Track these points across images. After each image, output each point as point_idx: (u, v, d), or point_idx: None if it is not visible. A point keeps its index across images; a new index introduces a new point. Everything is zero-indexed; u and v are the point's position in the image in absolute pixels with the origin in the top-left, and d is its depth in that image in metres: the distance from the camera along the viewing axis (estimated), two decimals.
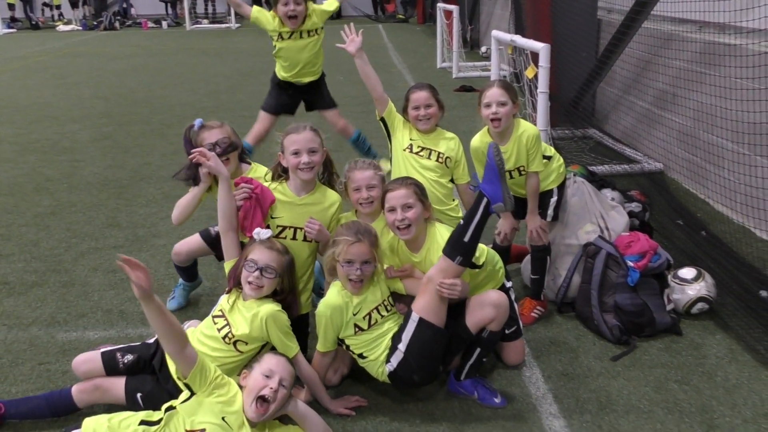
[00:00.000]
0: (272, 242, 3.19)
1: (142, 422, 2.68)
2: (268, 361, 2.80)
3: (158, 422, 2.68)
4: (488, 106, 3.74)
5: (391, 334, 3.18)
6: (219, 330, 3.05)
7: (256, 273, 3.04)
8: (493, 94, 3.74)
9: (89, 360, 3.12)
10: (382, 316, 3.19)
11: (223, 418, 2.67)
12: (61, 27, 24.19)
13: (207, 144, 3.54)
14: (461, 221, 3.12)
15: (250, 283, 3.04)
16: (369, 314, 3.15)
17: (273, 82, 5.53)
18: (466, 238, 3.03)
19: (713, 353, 3.61)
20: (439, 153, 3.89)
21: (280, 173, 3.46)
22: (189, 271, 4.11)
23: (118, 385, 3.07)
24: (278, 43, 5.37)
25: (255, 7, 5.40)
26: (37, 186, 6.51)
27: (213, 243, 3.94)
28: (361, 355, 3.20)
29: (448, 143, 3.94)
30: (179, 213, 3.59)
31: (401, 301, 3.37)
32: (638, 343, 3.70)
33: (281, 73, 5.53)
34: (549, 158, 3.97)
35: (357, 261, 3.07)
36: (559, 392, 3.32)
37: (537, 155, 3.81)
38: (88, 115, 9.67)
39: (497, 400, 3.23)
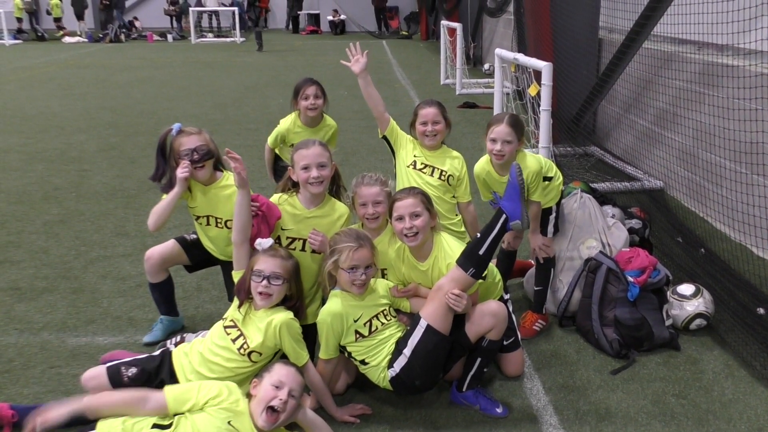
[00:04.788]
0: (275, 250, 3.26)
1: (155, 425, 2.74)
2: (278, 372, 2.84)
3: (170, 426, 2.74)
4: (494, 141, 3.75)
5: (392, 341, 3.24)
6: (233, 341, 3.11)
7: (264, 282, 3.10)
8: (500, 131, 3.73)
9: (96, 376, 3.15)
10: (383, 324, 3.26)
11: (229, 422, 2.73)
12: (67, 39, 24.39)
13: (185, 149, 3.55)
14: (478, 234, 3.21)
15: (260, 293, 3.10)
16: (370, 321, 3.23)
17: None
18: (481, 251, 3.12)
19: (710, 368, 3.67)
20: (442, 171, 3.95)
21: (290, 187, 3.54)
22: (165, 295, 3.96)
23: None
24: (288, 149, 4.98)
25: (270, 140, 5.13)
26: (45, 194, 6.59)
27: (188, 247, 3.89)
28: (362, 362, 3.26)
29: (452, 162, 3.99)
30: (156, 219, 3.56)
31: (402, 311, 3.44)
32: (637, 357, 3.76)
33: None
34: (550, 179, 4.01)
35: (361, 266, 3.15)
36: (560, 404, 3.38)
37: (537, 188, 3.85)
38: (95, 126, 9.78)
39: (499, 410, 3.29)
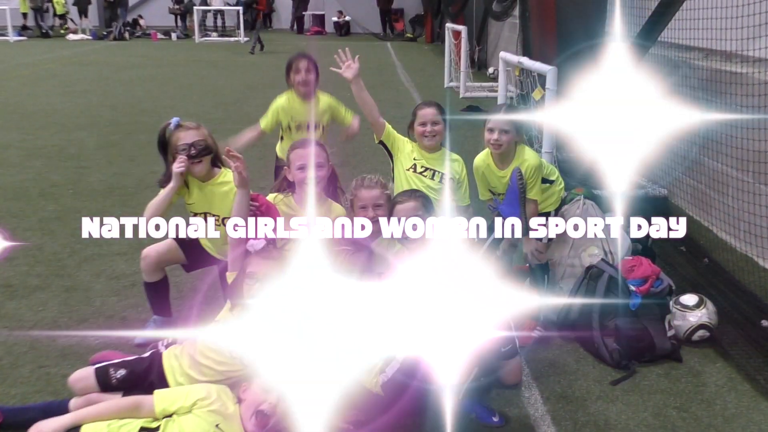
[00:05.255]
0: (268, 251, 3.20)
1: (142, 428, 2.69)
2: None
3: (157, 429, 2.69)
4: (491, 131, 3.77)
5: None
6: None
7: (257, 285, 3.05)
8: (498, 121, 3.74)
9: (84, 378, 3.10)
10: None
11: (217, 425, 2.68)
12: (71, 36, 24.38)
13: (182, 144, 3.50)
14: (475, 239, 3.15)
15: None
16: None
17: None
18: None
19: (713, 381, 3.61)
20: (442, 174, 3.91)
21: (286, 187, 3.48)
22: (160, 295, 3.90)
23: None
24: (285, 135, 4.95)
25: (263, 122, 4.98)
26: (42, 191, 6.54)
27: (185, 245, 3.81)
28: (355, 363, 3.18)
29: (452, 164, 3.95)
30: (151, 214, 3.45)
31: None
32: (638, 368, 3.69)
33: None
34: (551, 182, 3.98)
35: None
36: (558, 414, 3.31)
37: (535, 185, 3.82)
38: (95, 123, 9.73)
39: (495, 419, 3.23)
